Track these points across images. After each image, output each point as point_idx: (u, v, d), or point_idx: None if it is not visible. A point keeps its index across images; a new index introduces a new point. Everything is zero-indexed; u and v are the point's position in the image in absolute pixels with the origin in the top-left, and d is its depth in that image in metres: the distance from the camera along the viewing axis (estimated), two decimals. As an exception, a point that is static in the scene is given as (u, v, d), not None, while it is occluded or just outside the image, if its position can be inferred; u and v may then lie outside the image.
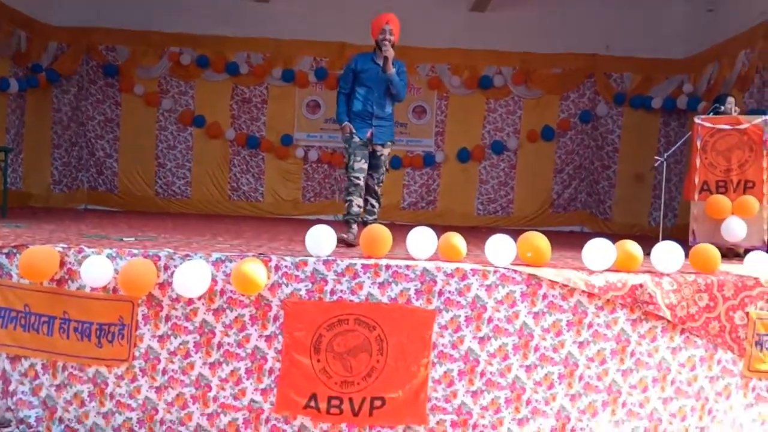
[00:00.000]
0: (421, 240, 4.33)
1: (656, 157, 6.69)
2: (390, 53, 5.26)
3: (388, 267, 4.11)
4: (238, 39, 10.52)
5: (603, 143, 10.74)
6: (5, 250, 4.12)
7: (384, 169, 5.47)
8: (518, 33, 10.50)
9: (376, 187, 5.46)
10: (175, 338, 4.04)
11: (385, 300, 4.08)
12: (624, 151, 10.64)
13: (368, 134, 5.35)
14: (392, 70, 5.29)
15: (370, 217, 5.47)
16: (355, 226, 5.28)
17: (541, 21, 10.50)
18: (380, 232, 4.35)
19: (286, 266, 4.08)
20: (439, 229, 4.73)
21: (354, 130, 5.35)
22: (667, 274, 4.29)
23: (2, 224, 5.89)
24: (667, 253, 4.35)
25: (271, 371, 4.05)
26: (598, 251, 4.26)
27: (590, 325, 4.20)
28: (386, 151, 5.47)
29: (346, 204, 5.37)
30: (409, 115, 10.69)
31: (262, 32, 10.53)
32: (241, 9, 10.55)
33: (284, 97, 10.77)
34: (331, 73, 10.54)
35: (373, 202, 5.49)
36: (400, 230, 5.19)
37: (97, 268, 3.94)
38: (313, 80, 10.72)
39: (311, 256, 4.20)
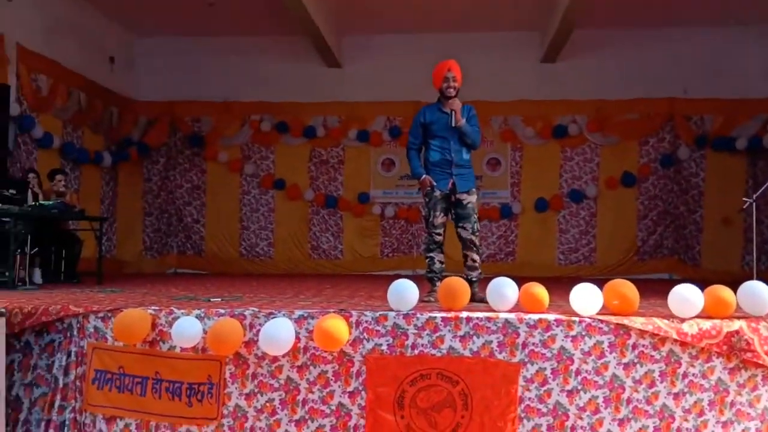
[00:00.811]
0: (502, 291, 4.27)
1: (744, 199, 6.44)
2: (456, 105, 5.16)
3: (468, 319, 4.05)
4: (314, 104, 10.89)
5: (687, 187, 10.42)
6: (101, 314, 4.30)
7: (475, 217, 5.23)
8: (590, 81, 10.46)
9: (473, 237, 5.19)
10: (262, 396, 4.08)
11: (467, 353, 4.01)
12: (709, 194, 10.29)
13: (449, 185, 5.19)
14: (462, 121, 5.16)
15: (474, 273, 5.20)
16: (438, 284, 5.05)
17: (614, 68, 10.45)
18: (458, 284, 4.31)
19: (366, 321, 4.08)
20: (520, 281, 4.65)
21: (434, 183, 5.21)
22: (764, 319, 4.06)
23: (98, 290, 6.17)
24: (760, 295, 4.12)
25: (356, 428, 4.02)
26: (687, 297, 4.08)
27: (685, 376, 3.99)
28: (473, 199, 5.25)
29: (427, 261, 5.27)
30: (483, 167, 10.70)
31: (336, 96, 10.87)
32: (316, 75, 10.95)
33: (360, 157, 11.01)
34: (404, 130, 10.70)
35: (474, 255, 5.22)
36: (479, 283, 5.14)
37: (186, 329, 4.05)
38: (387, 139, 10.92)
39: (391, 310, 4.20)
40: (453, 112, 5.17)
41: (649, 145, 10.56)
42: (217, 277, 9.56)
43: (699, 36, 10.26)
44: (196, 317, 4.16)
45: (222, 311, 4.21)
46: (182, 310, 4.23)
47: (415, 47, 10.65)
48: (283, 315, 4.12)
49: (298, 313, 4.14)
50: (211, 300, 5.07)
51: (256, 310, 4.22)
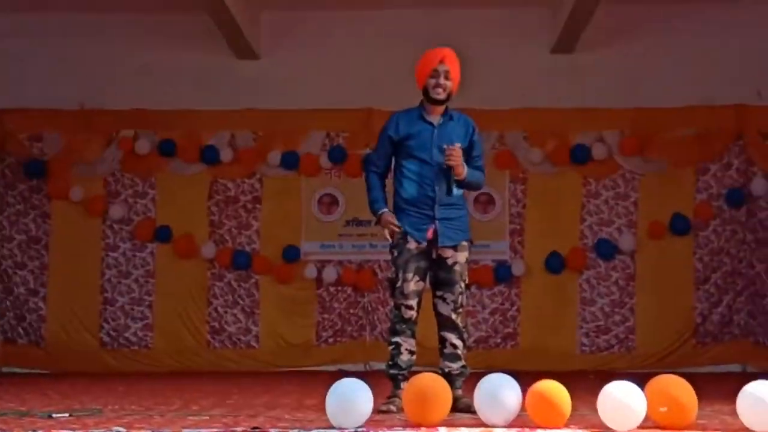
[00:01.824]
0: (499, 395, 4.27)
1: None
2: (454, 160, 5.14)
3: (448, 439, 4.04)
4: (216, 113, 10.89)
5: (766, 236, 10.63)
6: None
7: (462, 285, 5.27)
8: (624, 80, 10.69)
9: (454, 316, 5.23)
10: None
11: (446, 491, 4.00)
12: (799, 245, 10.50)
13: (429, 233, 5.23)
14: (463, 173, 5.20)
15: (455, 366, 5.26)
16: (404, 385, 5.00)
17: (657, 61, 10.73)
18: (433, 385, 4.30)
19: (293, 445, 4.04)
20: (525, 377, 4.65)
21: (404, 228, 5.23)
22: None
23: None
24: None
25: None
26: (764, 400, 4.13)
27: None
28: (462, 258, 5.29)
29: (391, 349, 5.27)
30: (470, 208, 10.78)
31: (250, 101, 10.90)
32: (221, 70, 10.98)
33: (286, 193, 11.01)
34: (351, 153, 10.77)
35: (455, 340, 5.27)
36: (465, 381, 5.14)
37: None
38: (327, 165, 10.96)
39: (332, 428, 4.16)
40: (450, 169, 5.18)
41: (709, 174, 10.78)
42: (64, 378, 9.35)
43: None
44: (29, 443, 4.06)
45: (70, 433, 4.11)
46: (7, 433, 4.13)
47: (368, 29, 10.81)
48: (165, 437, 4.06)
49: (187, 433, 4.06)
50: (54, 416, 4.94)
51: (123, 431, 4.14)
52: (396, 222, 5.25)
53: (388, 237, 5.29)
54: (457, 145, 5.19)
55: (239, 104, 10.90)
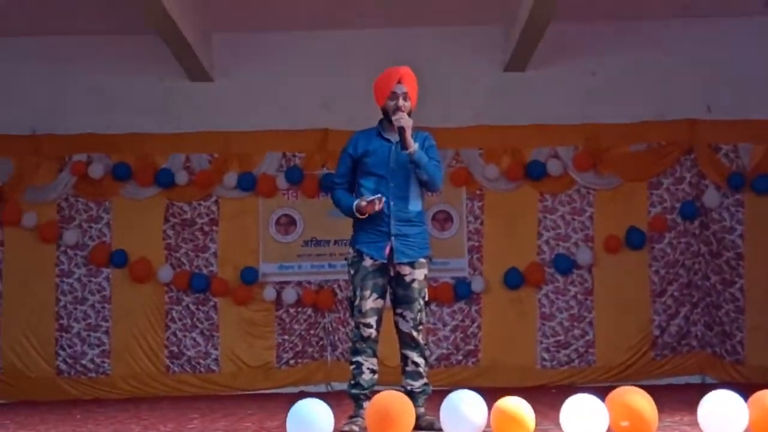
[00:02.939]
0: (463, 412, 4.29)
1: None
2: (405, 122, 5.21)
3: (412, 458, 4.05)
4: (170, 136, 10.85)
5: (719, 248, 10.76)
6: None
7: (421, 302, 5.29)
8: (577, 97, 10.80)
9: (414, 333, 5.25)
10: None
11: None
12: (752, 257, 10.63)
13: (387, 250, 5.24)
14: (414, 146, 5.23)
15: (417, 384, 5.29)
16: (366, 405, 5.05)
17: (610, 78, 10.83)
18: (396, 402, 4.31)
19: (258, 468, 4.04)
20: (487, 393, 4.68)
21: (360, 247, 5.26)
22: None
23: None
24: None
25: None
26: (726, 410, 4.19)
27: None
28: (420, 275, 5.31)
29: (352, 368, 5.27)
30: (428, 226, 10.81)
31: (205, 124, 10.87)
32: (174, 92, 10.95)
33: (243, 214, 10.97)
34: (308, 173, 10.78)
35: (416, 358, 5.30)
36: (428, 398, 5.15)
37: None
38: (284, 186, 10.94)
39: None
40: (402, 131, 5.22)
41: (662, 187, 10.88)
42: (19, 407, 9.26)
43: (731, 29, 10.74)
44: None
45: (30, 462, 4.09)
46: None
47: (325, 49, 10.84)
48: (128, 464, 4.04)
49: (150, 459, 4.06)
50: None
51: (85, 457, 4.11)
52: (375, 202, 5.16)
53: (377, 207, 5.17)
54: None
55: (194, 126, 10.86)
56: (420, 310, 5.29)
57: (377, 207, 5.16)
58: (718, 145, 10.85)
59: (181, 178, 10.86)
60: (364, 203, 5.17)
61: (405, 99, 5.31)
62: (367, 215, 5.22)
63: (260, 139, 10.91)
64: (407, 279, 5.29)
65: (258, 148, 10.97)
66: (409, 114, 5.33)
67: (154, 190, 10.91)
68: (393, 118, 5.26)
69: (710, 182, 10.79)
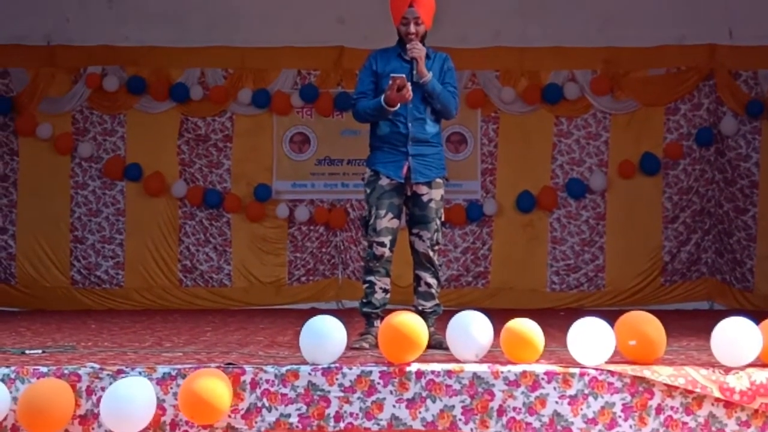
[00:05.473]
0: (470, 331, 4.32)
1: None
2: (417, 52, 5.15)
3: (420, 374, 4.09)
4: (185, 50, 10.75)
5: (734, 176, 10.73)
6: None
7: (438, 222, 5.31)
8: (596, 19, 10.63)
9: (430, 253, 5.27)
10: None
11: (417, 425, 4.04)
12: (767, 185, 10.61)
13: (404, 170, 5.24)
14: (428, 75, 5.18)
15: (428, 304, 5.31)
16: (378, 325, 5.09)
17: (631, 0, 10.65)
18: (407, 322, 4.31)
19: (267, 381, 4.07)
20: (496, 315, 4.70)
21: (377, 167, 5.25)
22: None
23: None
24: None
25: None
26: (736, 336, 4.21)
27: (732, 450, 4.13)
28: (437, 195, 5.32)
29: (365, 287, 5.31)
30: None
31: (220, 38, 10.76)
32: (191, 6, 10.78)
33: (257, 131, 10.94)
34: (323, 91, 10.71)
35: (429, 278, 5.32)
36: (438, 318, 5.18)
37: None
38: (298, 104, 10.88)
39: (305, 363, 4.20)
40: (415, 62, 5.18)
41: (679, 114, 10.82)
42: (36, 315, 9.35)
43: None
44: (2, 380, 4.08)
45: (44, 369, 4.14)
46: (-20, 369, 4.13)
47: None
48: (139, 373, 4.09)
49: (161, 370, 4.11)
50: (27, 352, 4.96)
51: (97, 366, 4.17)
52: (400, 79, 5.03)
53: (407, 95, 5.03)
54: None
55: (210, 41, 10.75)
56: (437, 230, 5.31)
57: (407, 95, 5.04)
58: (738, 71, 10.72)
59: (196, 93, 10.80)
60: (391, 90, 5.02)
61: (417, 23, 5.23)
62: (398, 106, 5.11)
63: (275, 55, 10.81)
64: (424, 199, 5.29)
65: (273, 64, 10.88)
66: (423, 37, 5.27)
67: (169, 105, 10.87)
68: (407, 47, 5.20)
69: (728, 109, 10.69)
